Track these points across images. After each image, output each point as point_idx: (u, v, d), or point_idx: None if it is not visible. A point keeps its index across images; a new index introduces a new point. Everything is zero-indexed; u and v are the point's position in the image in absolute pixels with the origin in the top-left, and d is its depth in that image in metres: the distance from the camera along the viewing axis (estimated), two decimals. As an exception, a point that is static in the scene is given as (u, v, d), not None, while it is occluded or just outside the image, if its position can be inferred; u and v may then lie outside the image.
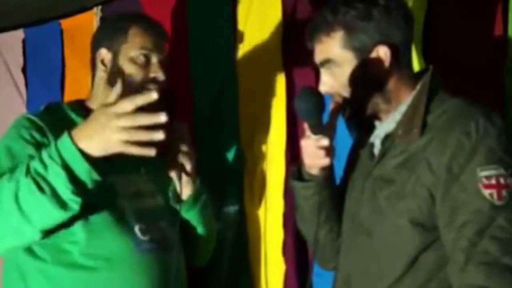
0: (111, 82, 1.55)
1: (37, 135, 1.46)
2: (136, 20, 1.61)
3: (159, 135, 1.22)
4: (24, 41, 2.51)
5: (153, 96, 1.22)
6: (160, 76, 1.56)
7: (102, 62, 1.59)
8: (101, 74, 1.59)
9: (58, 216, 1.33)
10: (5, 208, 1.31)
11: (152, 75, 1.56)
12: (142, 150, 1.25)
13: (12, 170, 1.36)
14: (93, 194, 1.34)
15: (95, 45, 1.63)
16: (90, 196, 1.34)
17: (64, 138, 1.29)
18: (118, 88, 1.30)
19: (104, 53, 1.59)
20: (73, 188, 1.29)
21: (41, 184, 1.28)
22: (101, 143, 1.26)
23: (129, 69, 1.55)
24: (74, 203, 1.31)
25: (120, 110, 1.23)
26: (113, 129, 1.23)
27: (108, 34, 1.60)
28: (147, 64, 1.56)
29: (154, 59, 1.57)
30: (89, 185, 1.30)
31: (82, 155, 1.26)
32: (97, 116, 1.27)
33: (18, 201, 1.30)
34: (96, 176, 1.29)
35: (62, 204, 1.30)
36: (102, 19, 2.24)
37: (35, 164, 1.30)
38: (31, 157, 1.37)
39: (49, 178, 1.28)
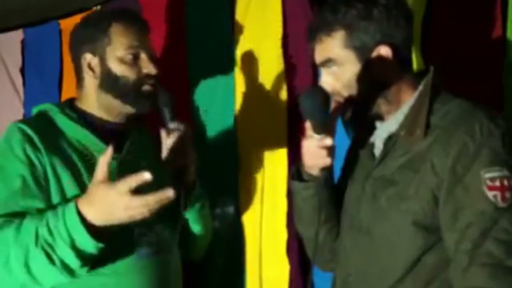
0: (104, 87, 1.54)
1: (29, 150, 1.44)
2: (114, 17, 1.56)
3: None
4: (23, 41, 2.50)
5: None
6: (153, 70, 1.54)
7: (89, 66, 1.56)
8: (90, 79, 1.56)
9: (68, 279, 1.37)
10: (14, 271, 1.33)
11: (144, 71, 1.54)
12: None
13: (8, 208, 1.38)
14: None
15: (77, 49, 1.58)
16: None
17: (73, 216, 1.30)
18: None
19: (90, 58, 1.55)
20: (82, 262, 1.33)
21: (51, 256, 1.31)
22: (115, 220, 1.29)
23: (119, 70, 1.53)
24: (84, 270, 1.36)
25: (127, 189, 1.25)
26: (124, 207, 1.27)
27: (89, 37, 1.56)
28: (136, 61, 1.54)
29: (143, 55, 1.55)
30: (97, 253, 1.34)
31: (92, 236, 1.29)
32: (105, 196, 1.28)
33: (29, 269, 1.33)
34: (103, 244, 1.32)
35: (72, 273, 1.35)
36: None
37: (43, 232, 1.31)
38: (24, 178, 1.40)
39: (58, 252, 1.31)
